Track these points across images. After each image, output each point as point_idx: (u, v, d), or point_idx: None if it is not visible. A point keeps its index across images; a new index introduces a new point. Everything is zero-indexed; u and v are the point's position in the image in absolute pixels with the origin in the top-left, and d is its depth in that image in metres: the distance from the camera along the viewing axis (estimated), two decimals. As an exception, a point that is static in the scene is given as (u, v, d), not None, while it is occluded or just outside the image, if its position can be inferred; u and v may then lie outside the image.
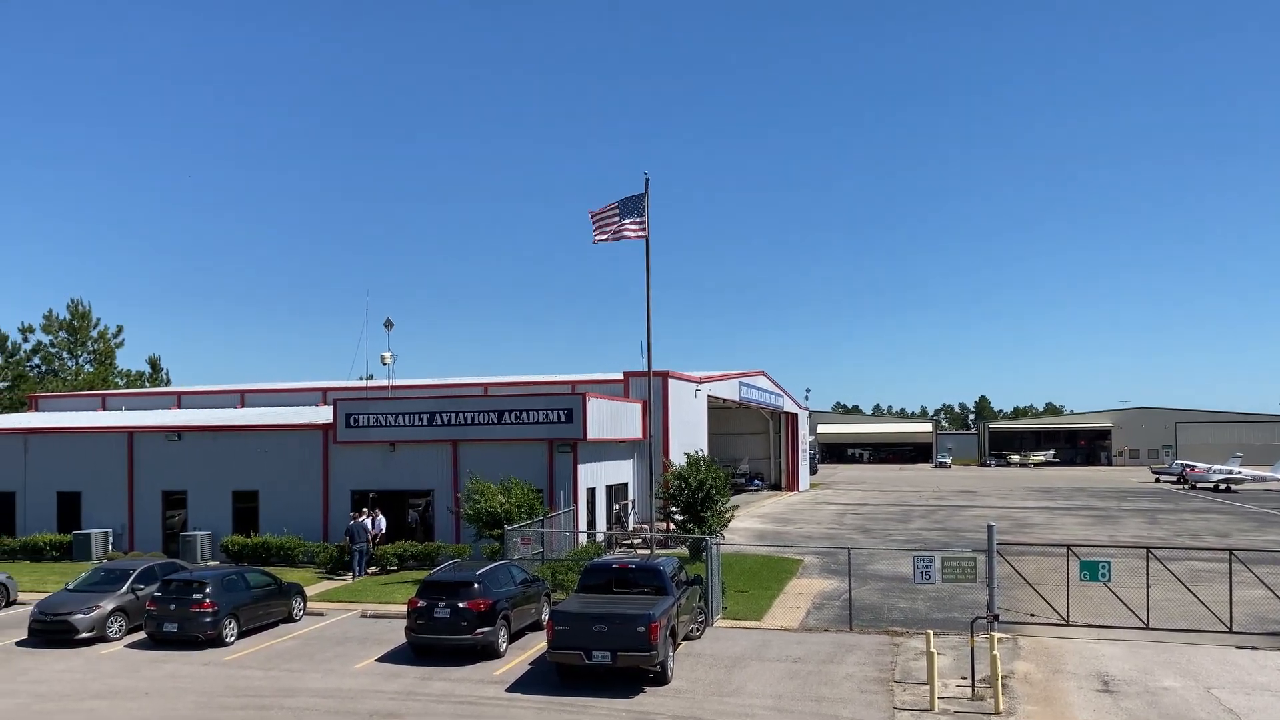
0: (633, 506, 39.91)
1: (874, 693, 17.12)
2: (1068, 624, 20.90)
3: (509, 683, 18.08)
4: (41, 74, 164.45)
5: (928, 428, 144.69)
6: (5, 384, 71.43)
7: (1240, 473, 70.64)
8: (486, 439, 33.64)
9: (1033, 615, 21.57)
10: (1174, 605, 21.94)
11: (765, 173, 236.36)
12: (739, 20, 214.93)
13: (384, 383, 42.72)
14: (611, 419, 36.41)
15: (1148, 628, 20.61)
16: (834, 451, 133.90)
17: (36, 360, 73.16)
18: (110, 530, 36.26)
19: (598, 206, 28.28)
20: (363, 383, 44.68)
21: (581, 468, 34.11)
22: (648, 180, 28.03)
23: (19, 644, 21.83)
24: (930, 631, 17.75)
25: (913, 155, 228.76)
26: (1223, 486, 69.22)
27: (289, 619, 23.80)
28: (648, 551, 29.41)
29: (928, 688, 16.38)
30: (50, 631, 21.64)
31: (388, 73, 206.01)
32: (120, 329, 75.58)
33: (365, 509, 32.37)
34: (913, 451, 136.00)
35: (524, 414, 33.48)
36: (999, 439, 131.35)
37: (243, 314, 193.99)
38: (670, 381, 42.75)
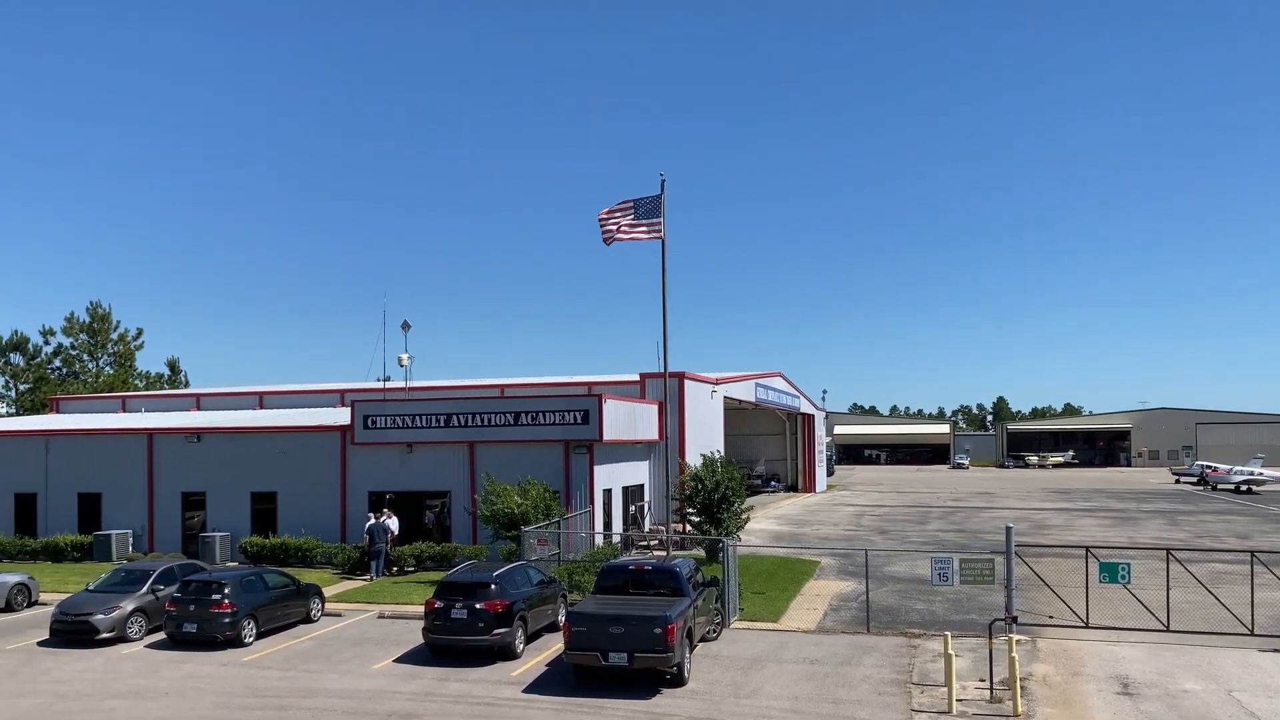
0: (649, 508, 39.90)
1: (891, 695, 17.07)
2: (1087, 626, 20.78)
3: (526, 684, 18.12)
4: (82, 79, 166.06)
5: (945, 429, 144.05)
6: (27, 386, 72.10)
7: (1262, 474, 70.03)
8: (503, 440, 33.71)
9: (1051, 617, 21.44)
10: (1195, 607, 21.78)
11: (782, 173, 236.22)
12: (769, 22, 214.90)
13: (401, 384, 42.86)
14: (628, 420, 36.42)
15: (1168, 630, 20.47)
16: (851, 453, 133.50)
17: (57, 362, 73.81)
18: (130, 531, 36.53)
19: (611, 205, 28.24)
20: (380, 384, 44.83)
21: (598, 469, 34.13)
22: (664, 181, 28.10)
23: (40, 644, 22.02)
24: (948, 633, 17.66)
25: (928, 157, 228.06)
26: (1244, 488, 68.63)
27: (307, 620, 23.92)
28: (664, 553, 29.41)
29: (945, 690, 16.31)
30: (71, 632, 21.82)
31: (408, 78, 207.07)
32: (140, 331, 76.19)
33: (385, 510, 32.52)
34: (930, 453, 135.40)
35: (540, 415, 33.53)
36: (1017, 440, 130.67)
37: (261, 316, 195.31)
38: (686, 383, 42.71)
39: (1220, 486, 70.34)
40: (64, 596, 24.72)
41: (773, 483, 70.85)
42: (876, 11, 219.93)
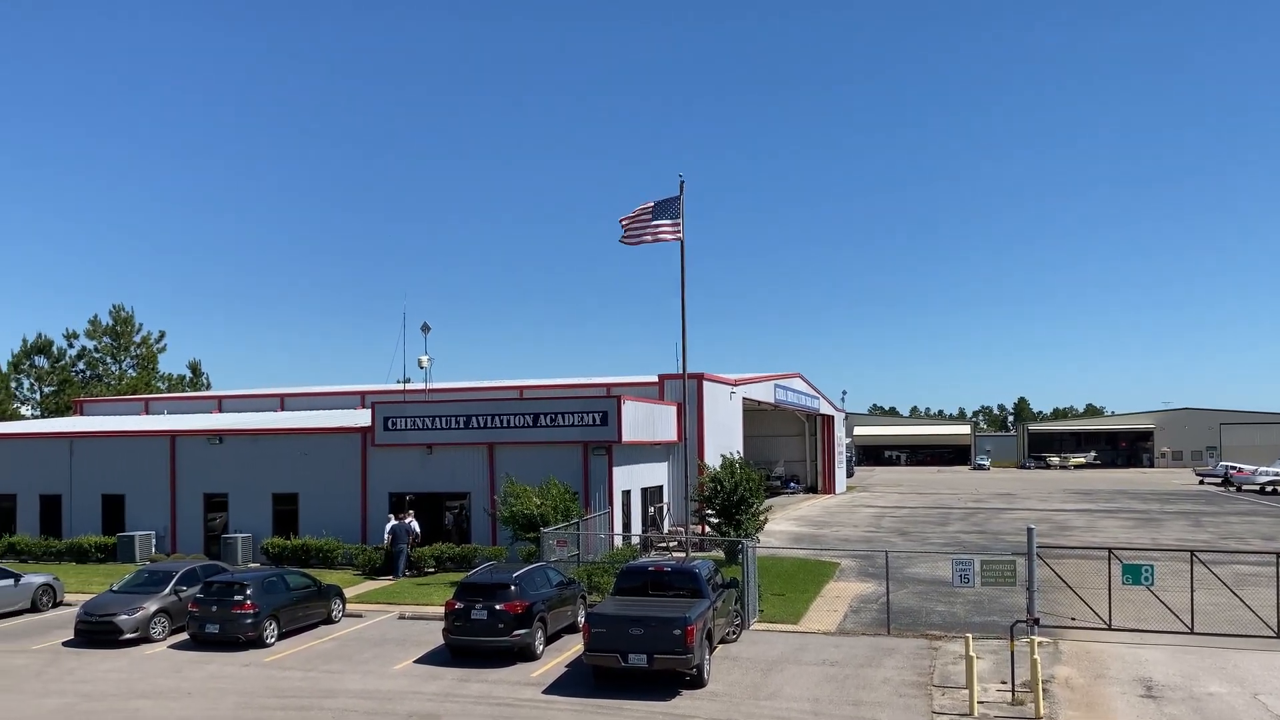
0: (668, 509, 39.89)
1: (912, 697, 16.99)
2: (1110, 628, 20.64)
3: (546, 685, 18.15)
4: (108, 87, 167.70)
5: (966, 429, 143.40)
6: (51, 389, 72.90)
7: (1287, 475, 69.33)
8: (522, 441, 33.79)
9: (1074, 619, 21.31)
10: (1219, 610, 21.57)
11: (802, 175, 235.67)
12: (792, 26, 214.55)
13: (421, 386, 43.05)
14: (646, 421, 36.43)
15: (1192, 632, 20.30)
16: (871, 454, 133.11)
17: (81, 365, 74.62)
18: (153, 532, 36.80)
19: (631, 210, 28.31)
20: (400, 386, 45.03)
21: (616, 470, 34.16)
22: (682, 183, 28.04)
23: (65, 644, 22.24)
24: (969, 635, 17.54)
25: (951, 159, 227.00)
26: (1269, 489, 67.90)
27: (328, 620, 24.05)
28: (683, 554, 29.39)
29: (967, 692, 16.23)
30: (96, 632, 22.03)
31: (427, 83, 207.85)
32: (162, 334, 76.96)
33: (408, 510, 32.68)
34: (951, 453, 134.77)
35: (559, 416, 33.59)
36: (1038, 441, 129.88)
37: (282, 319, 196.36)
38: (705, 384, 42.68)
39: (1245, 488, 69.64)
40: (88, 597, 24.94)
41: (792, 484, 70.70)
42: (908, 11, 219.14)
